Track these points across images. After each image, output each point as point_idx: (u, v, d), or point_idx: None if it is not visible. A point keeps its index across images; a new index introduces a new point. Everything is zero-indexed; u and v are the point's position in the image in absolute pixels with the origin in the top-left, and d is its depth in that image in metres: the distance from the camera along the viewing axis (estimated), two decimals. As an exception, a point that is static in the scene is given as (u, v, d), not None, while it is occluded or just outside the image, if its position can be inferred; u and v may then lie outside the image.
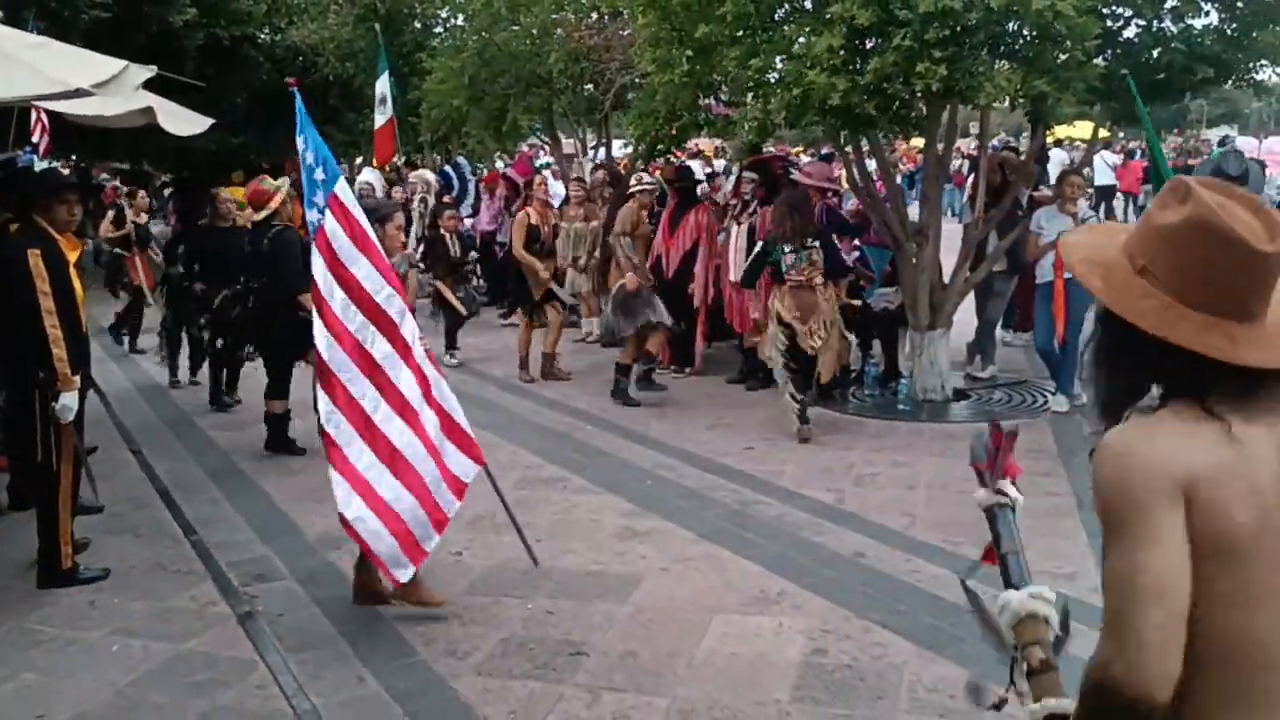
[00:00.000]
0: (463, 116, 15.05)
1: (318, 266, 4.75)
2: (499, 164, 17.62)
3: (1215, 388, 1.66)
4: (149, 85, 6.61)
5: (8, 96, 6.07)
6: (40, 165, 5.37)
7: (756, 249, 8.01)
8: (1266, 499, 1.63)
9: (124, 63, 6.02)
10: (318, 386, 4.89)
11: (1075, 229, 1.98)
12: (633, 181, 9.73)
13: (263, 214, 7.62)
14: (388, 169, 16.12)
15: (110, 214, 11.02)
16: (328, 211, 4.80)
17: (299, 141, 4.95)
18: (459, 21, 16.98)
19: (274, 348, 7.70)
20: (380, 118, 15.28)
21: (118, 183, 14.29)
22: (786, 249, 7.61)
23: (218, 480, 7.09)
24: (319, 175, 4.86)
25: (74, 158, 19.54)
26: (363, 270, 4.79)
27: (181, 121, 7.37)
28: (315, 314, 4.73)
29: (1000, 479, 2.15)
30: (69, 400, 5.13)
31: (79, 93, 5.50)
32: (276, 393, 7.67)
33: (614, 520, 6.21)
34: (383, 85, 15.14)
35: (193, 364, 9.43)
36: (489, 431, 7.21)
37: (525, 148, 21.22)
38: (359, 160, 23.00)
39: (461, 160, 16.50)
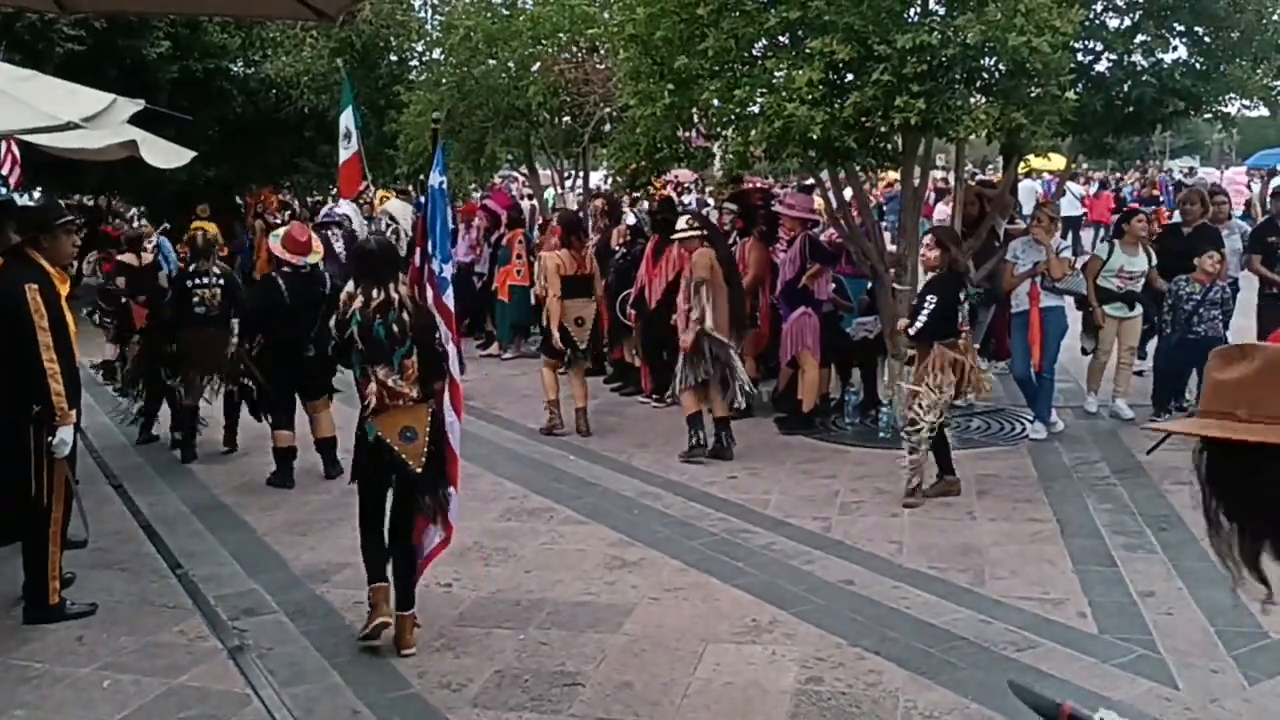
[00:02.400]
0: (440, 149, 15.01)
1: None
2: (474, 195, 17.60)
3: None
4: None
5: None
6: (25, 199, 5.32)
7: (934, 298, 6.79)
8: None
9: (112, 96, 6.04)
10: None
11: None
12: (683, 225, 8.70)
13: (314, 259, 7.65)
14: (363, 202, 16.11)
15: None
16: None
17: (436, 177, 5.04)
18: (436, 55, 17.01)
19: (294, 381, 7.69)
20: (345, 152, 15.26)
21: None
22: (962, 297, 6.91)
23: (200, 514, 7.04)
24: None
25: (40, 190, 19.36)
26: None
27: (164, 154, 7.40)
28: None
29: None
30: (65, 435, 5.07)
31: (69, 126, 5.50)
32: (284, 424, 7.67)
33: (601, 550, 6.22)
34: (347, 119, 15.14)
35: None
36: (471, 463, 7.12)
37: (498, 179, 21.23)
38: (333, 191, 22.97)
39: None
